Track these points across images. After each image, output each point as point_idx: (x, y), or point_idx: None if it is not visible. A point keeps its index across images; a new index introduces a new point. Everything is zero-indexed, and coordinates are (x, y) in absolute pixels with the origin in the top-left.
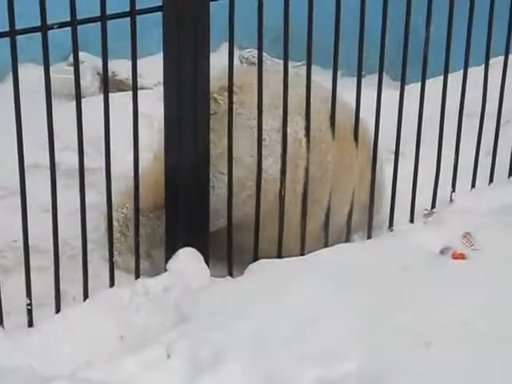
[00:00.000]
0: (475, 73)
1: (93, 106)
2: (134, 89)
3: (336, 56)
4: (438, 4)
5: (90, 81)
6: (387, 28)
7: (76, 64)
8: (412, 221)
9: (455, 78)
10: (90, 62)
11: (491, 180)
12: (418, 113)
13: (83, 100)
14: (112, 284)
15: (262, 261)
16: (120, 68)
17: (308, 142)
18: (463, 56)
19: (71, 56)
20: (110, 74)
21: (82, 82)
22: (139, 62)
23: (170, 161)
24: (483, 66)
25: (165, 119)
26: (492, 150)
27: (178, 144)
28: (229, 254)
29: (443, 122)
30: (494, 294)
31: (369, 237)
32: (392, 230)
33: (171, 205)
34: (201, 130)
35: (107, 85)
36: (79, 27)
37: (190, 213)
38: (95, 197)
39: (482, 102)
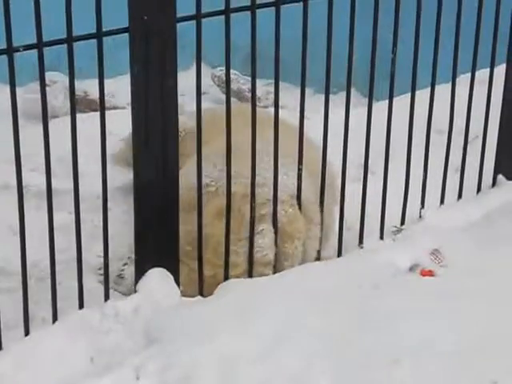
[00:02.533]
0: (443, 90)
1: (65, 125)
2: (102, 109)
3: (303, 77)
4: (406, 22)
5: (62, 101)
6: (356, 45)
7: (43, 86)
8: (382, 237)
9: (423, 95)
10: (63, 81)
11: (460, 196)
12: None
13: (56, 120)
14: (81, 305)
15: (232, 280)
16: (92, 88)
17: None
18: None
19: (47, 76)
20: (81, 93)
21: (54, 102)
22: (112, 81)
23: (139, 180)
24: (450, 82)
25: (133, 140)
26: (460, 166)
27: (147, 164)
28: (199, 273)
29: (411, 139)
30: (462, 312)
31: (339, 254)
32: (362, 248)
33: (140, 225)
34: (170, 150)
35: (74, 107)
36: (52, 47)
37: (159, 233)
38: (66, 217)
39: (449, 118)
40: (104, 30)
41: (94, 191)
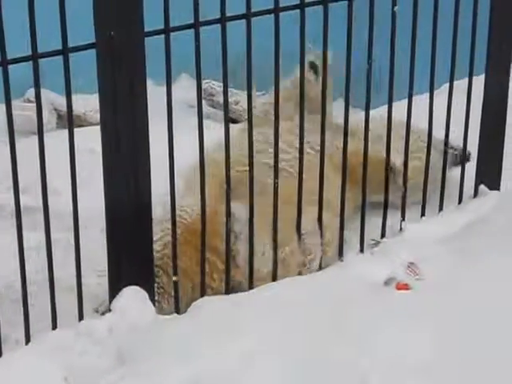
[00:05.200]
0: (420, 100)
1: (48, 142)
2: (70, 125)
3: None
4: (385, 32)
5: (46, 117)
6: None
7: (8, 104)
8: (362, 251)
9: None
10: (47, 97)
11: (441, 207)
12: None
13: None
14: (55, 326)
15: (206, 298)
16: (76, 103)
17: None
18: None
19: (28, 92)
20: (66, 109)
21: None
22: (93, 96)
23: (109, 198)
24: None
25: (103, 157)
26: (441, 176)
27: (118, 181)
28: (175, 290)
29: (389, 149)
30: (436, 327)
31: (320, 268)
32: (342, 261)
33: (113, 243)
34: (142, 168)
35: (42, 125)
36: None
37: (133, 251)
38: (43, 237)
39: (428, 128)
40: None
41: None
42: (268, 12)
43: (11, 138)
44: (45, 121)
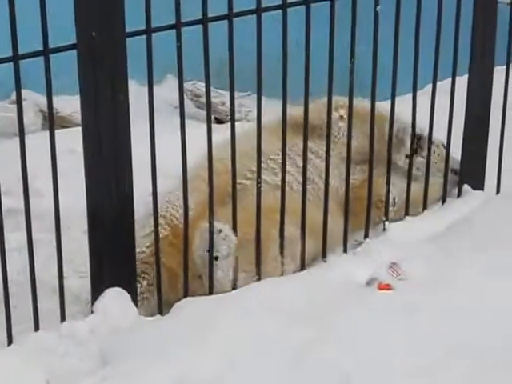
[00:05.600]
0: (403, 101)
1: (33, 143)
2: (51, 126)
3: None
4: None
5: (32, 118)
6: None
7: None
8: (345, 251)
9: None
10: (32, 98)
11: (425, 207)
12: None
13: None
14: (37, 327)
15: (189, 298)
16: (62, 104)
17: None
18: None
19: (13, 93)
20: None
21: (24, 119)
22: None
23: (92, 200)
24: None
25: (84, 159)
26: (424, 176)
27: (100, 182)
28: (158, 291)
29: (373, 151)
30: (418, 327)
31: (302, 268)
32: (325, 261)
33: (95, 245)
34: (123, 169)
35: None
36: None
37: (115, 252)
38: (24, 237)
39: (411, 128)
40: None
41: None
42: (250, 12)
43: None
44: (30, 122)
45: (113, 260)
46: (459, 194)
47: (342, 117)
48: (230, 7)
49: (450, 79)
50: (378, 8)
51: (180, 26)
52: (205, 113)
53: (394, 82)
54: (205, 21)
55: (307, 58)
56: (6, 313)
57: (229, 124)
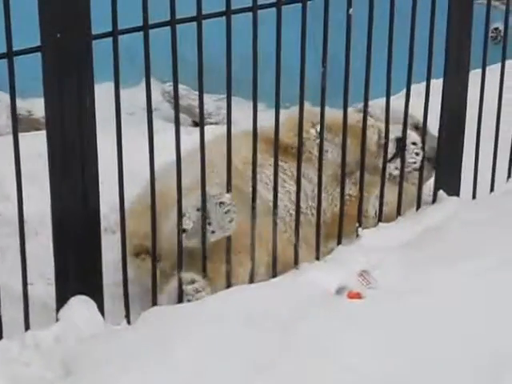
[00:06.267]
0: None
1: (6, 145)
2: (15, 129)
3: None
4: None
5: (5, 120)
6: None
7: None
8: (318, 258)
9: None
10: (5, 101)
11: (399, 213)
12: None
13: None
14: (0, 336)
15: (155, 308)
16: (36, 107)
17: None
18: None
19: None
20: (25, 112)
21: None
22: None
23: (56, 206)
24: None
25: (49, 165)
26: (398, 182)
27: (65, 190)
28: (125, 300)
29: (345, 158)
30: (387, 337)
31: (274, 275)
32: (297, 268)
33: (60, 251)
34: (89, 174)
35: None
36: None
37: (80, 259)
38: None
39: (385, 133)
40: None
41: (26, 215)
42: (220, 14)
43: None
44: (3, 124)
45: (79, 267)
46: (434, 200)
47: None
48: (199, 9)
49: (424, 83)
50: (351, 11)
51: (147, 28)
52: (183, 115)
53: (366, 85)
54: (173, 23)
55: (278, 63)
56: None
57: (208, 127)
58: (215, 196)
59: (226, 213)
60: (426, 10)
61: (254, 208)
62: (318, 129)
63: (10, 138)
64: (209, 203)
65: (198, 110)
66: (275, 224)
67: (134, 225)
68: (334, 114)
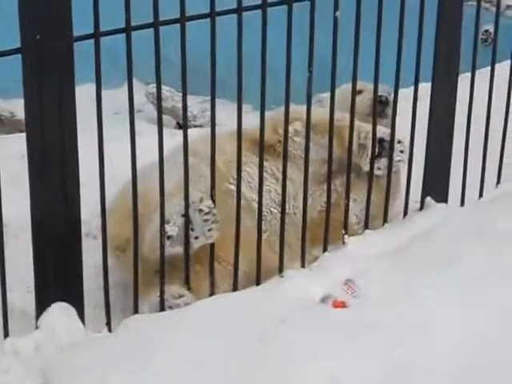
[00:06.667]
0: None
1: None
2: None
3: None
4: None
5: None
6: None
7: None
8: (303, 266)
9: None
10: None
11: (385, 220)
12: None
13: None
14: None
15: (136, 316)
16: (18, 108)
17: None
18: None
19: None
20: (8, 114)
21: None
22: None
23: (36, 211)
24: None
25: (29, 168)
26: (385, 188)
27: (44, 194)
28: (106, 308)
29: (331, 163)
30: (371, 347)
31: (257, 283)
32: (282, 276)
33: (39, 257)
34: (70, 179)
35: None
36: None
37: (60, 265)
38: None
39: (371, 139)
40: None
41: (6, 219)
42: (204, 16)
43: None
44: None
45: (59, 273)
46: (422, 207)
47: (296, 131)
48: (183, 11)
49: (412, 87)
50: (338, 14)
51: (130, 29)
52: (167, 117)
53: (353, 89)
54: (156, 24)
55: (263, 66)
56: None
57: (193, 130)
58: (195, 202)
59: (205, 221)
60: (415, 11)
61: (238, 217)
62: (296, 126)
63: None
64: (190, 209)
65: (182, 112)
66: (259, 234)
67: (114, 229)
68: (313, 112)
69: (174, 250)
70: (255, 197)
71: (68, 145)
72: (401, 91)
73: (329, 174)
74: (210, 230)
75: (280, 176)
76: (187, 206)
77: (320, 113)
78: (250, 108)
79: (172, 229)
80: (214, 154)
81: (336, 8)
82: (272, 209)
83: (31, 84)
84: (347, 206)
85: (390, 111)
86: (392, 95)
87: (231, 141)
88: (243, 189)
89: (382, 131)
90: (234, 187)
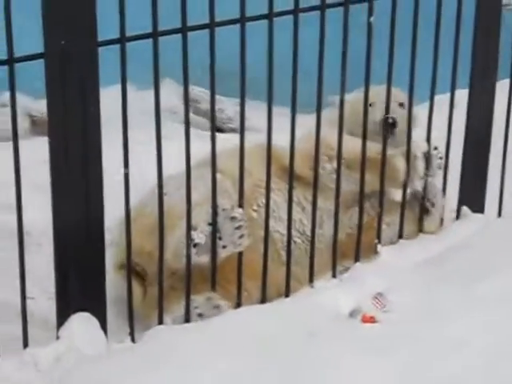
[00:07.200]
0: None
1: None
2: (15, 137)
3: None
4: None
5: (19, 123)
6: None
7: None
8: (334, 276)
9: None
10: (20, 102)
11: (421, 229)
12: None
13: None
14: None
15: (160, 327)
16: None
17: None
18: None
19: (1, 96)
20: (39, 114)
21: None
22: None
23: (58, 218)
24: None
25: (51, 174)
26: (421, 196)
27: (67, 201)
28: (130, 317)
29: (364, 169)
30: (400, 363)
31: (287, 295)
32: (313, 287)
33: (61, 265)
34: (93, 185)
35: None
36: None
37: (83, 275)
38: None
39: (406, 147)
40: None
41: (28, 225)
42: (234, 22)
43: None
44: (19, 127)
45: (81, 282)
46: (458, 217)
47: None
48: (212, 17)
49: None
50: (371, 19)
51: (157, 35)
52: (203, 120)
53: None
54: (184, 30)
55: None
56: None
57: (229, 135)
58: (226, 210)
59: (237, 228)
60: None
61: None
62: (335, 165)
63: (26, 142)
64: (220, 217)
65: (217, 115)
66: (290, 240)
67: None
68: (352, 146)
69: (201, 258)
70: (278, 227)
71: (92, 154)
72: (437, 97)
73: (362, 183)
74: (241, 237)
75: (306, 205)
76: (215, 213)
77: (355, 146)
78: (287, 110)
79: (200, 236)
80: (243, 164)
81: (370, 14)
82: (296, 238)
83: (54, 89)
84: (380, 214)
85: (396, 131)
86: (406, 102)
87: (260, 162)
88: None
89: (420, 146)
90: (256, 215)
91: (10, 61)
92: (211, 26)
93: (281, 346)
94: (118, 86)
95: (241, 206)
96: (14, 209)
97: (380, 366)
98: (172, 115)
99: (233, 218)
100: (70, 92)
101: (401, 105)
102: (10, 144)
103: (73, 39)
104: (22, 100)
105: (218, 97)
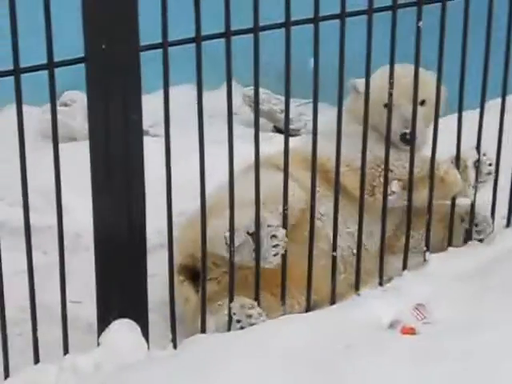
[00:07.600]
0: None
1: (78, 150)
2: (55, 138)
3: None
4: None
5: (81, 122)
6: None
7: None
8: (381, 284)
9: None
10: (82, 101)
11: (469, 238)
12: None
13: (73, 143)
14: (37, 360)
15: (200, 335)
16: None
17: None
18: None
19: (63, 95)
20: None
21: (72, 123)
22: None
23: (99, 224)
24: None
25: (92, 181)
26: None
27: (109, 207)
28: (172, 324)
29: (412, 174)
30: (439, 378)
31: (332, 303)
32: (359, 295)
33: (102, 271)
34: (135, 192)
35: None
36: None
37: (124, 280)
38: (40, 258)
39: (456, 155)
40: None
41: (78, 228)
42: (308, 21)
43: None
44: (78, 126)
45: (122, 288)
46: (508, 224)
47: (392, 192)
48: (256, 21)
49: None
50: (420, 23)
51: (200, 40)
52: (264, 120)
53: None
54: (228, 34)
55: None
56: (3, 343)
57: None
58: (270, 227)
59: (274, 246)
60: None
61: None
62: (393, 187)
63: (85, 143)
64: (262, 231)
65: (278, 115)
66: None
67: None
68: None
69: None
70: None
71: (134, 162)
72: (487, 104)
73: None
74: (274, 255)
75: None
76: (258, 225)
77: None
78: None
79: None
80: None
81: (419, 18)
82: (355, 250)
83: (95, 94)
84: (429, 221)
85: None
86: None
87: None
88: (328, 230)
89: (470, 155)
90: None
91: (51, 65)
92: (287, 25)
93: (316, 357)
94: (188, 86)
95: (285, 226)
96: (67, 211)
97: (415, 381)
98: (234, 116)
99: (273, 237)
100: (112, 97)
101: (422, 103)
102: (71, 145)
103: (114, 43)
104: (85, 99)
105: (279, 97)
